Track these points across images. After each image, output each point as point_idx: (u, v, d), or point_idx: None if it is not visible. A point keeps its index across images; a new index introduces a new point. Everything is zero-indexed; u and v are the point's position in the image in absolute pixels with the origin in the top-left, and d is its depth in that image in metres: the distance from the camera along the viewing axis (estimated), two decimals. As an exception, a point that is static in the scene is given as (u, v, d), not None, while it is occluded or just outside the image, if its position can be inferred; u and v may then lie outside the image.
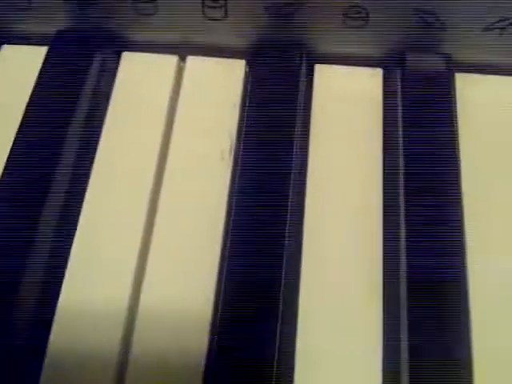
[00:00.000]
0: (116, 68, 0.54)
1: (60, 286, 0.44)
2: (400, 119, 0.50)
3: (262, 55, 0.53)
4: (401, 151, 0.49)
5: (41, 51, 0.54)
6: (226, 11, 0.52)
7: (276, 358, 0.41)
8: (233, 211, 0.46)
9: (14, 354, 0.42)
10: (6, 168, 0.48)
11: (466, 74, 0.52)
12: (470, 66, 0.52)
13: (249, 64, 0.54)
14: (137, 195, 0.48)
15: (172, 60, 0.54)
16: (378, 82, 0.53)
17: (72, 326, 0.43)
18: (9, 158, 0.48)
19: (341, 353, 0.43)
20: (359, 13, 0.51)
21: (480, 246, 0.45)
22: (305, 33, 0.53)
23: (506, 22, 0.50)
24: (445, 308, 0.42)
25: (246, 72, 0.53)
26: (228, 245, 0.45)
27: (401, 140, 0.49)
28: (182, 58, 0.54)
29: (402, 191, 0.47)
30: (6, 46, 0.55)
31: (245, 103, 0.51)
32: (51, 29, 0.54)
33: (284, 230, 0.45)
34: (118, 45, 0.54)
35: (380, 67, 0.53)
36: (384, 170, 0.49)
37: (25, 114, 0.50)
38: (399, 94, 0.52)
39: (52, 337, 0.42)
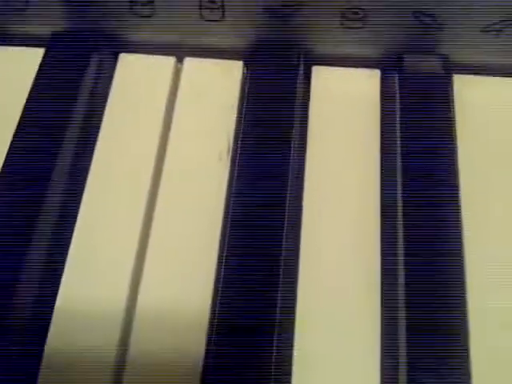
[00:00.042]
0: (113, 69, 0.54)
1: (57, 287, 0.44)
2: (398, 120, 0.50)
3: (259, 56, 0.53)
4: (398, 152, 0.49)
5: (38, 53, 0.53)
6: (223, 12, 0.52)
7: (274, 359, 0.41)
8: (230, 212, 0.46)
9: (11, 354, 0.42)
10: (2, 170, 0.47)
11: (463, 75, 0.52)
12: (468, 67, 0.52)
13: (246, 65, 0.54)
14: (134, 196, 0.47)
15: (169, 61, 0.54)
16: (375, 84, 0.53)
17: (69, 326, 0.43)
18: (6, 159, 0.48)
19: (339, 356, 0.42)
20: (357, 14, 0.51)
21: (479, 246, 0.45)
22: (302, 34, 0.53)
23: (504, 24, 0.50)
24: (444, 309, 0.42)
25: (243, 73, 0.53)
26: (226, 246, 0.45)
27: (398, 141, 0.49)
28: (180, 60, 0.54)
29: (399, 193, 0.47)
30: (3, 48, 0.55)
31: (242, 104, 0.51)
32: (48, 30, 0.54)
33: (281, 231, 0.45)
34: (115, 46, 0.54)
35: (378, 68, 0.53)
36: (382, 171, 0.49)
37: (22, 116, 0.50)
38: (397, 95, 0.51)
39: (49, 337, 0.42)
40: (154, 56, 0.54)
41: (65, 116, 0.50)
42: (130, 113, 0.51)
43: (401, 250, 0.45)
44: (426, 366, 0.41)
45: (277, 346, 0.42)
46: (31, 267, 0.44)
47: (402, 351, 0.42)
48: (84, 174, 0.49)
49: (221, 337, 0.42)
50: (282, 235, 0.45)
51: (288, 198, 0.47)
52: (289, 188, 0.47)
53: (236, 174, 0.48)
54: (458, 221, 0.45)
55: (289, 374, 0.42)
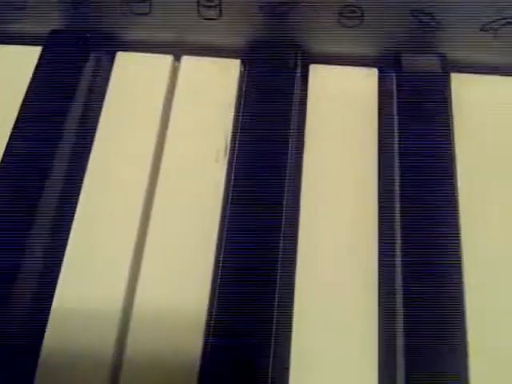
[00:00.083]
0: (110, 68, 0.53)
1: (54, 287, 0.44)
2: (395, 119, 0.50)
3: (257, 55, 0.53)
4: (396, 151, 0.49)
5: (35, 51, 0.53)
6: (220, 10, 0.52)
7: (271, 358, 0.41)
8: (228, 211, 0.46)
9: (8, 354, 0.42)
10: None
11: (461, 73, 0.52)
12: (466, 65, 0.52)
13: (244, 64, 0.54)
14: (132, 195, 0.47)
15: (167, 60, 0.54)
16: (373, 82, 0.53)
17: (66, 326, 0.43)
18: (2, 159, 0.48)
19: (336, 355, 0.42)
20: (354, 12, 0.51)
21: (476, 245, 0.45)
22: (300, 32, 0.53)
23: (501, 22, 0.50)
24: (441, 307, 0.42)
25: (240, 72, 0.53)
26: (223, 245, 0.45)
27: (396, 140, 0.49)
28: (177, 58, 0.54)
29: (397, 191, 0.47)
30: (0, 46, 0.55)
31: (240, 103, 0.51)
32: (46, 28, 0.54)
33: (279, 230, 0.45)
34: (112, 44, 0.54)
35: (375, 67, 0.53)
36: (379, 169, 0.49)
37: (19, 114, 0.50)
38: (394, 93, 0.51)
39: (46, 337, 0.42)
40: (152, 54, 0.54)
41: (62, 114, 0.50)
42: (128, 111, 0.51)
43: (398, 249, 0.45)
44: (424, 365, 0.41)
45: (274, 346, 0.42)
46: (28, 268, 0.44)
47: (400, 352, 0.42)
48: (81, 173, 0.48)
49: (218, 337, 0.42)
50: (279, 234, 0.45)
51: (285, 197, 0.46)
52: (286, 187, 0.47)
53: (233, 173, 0.48)
54: (456, 219, 0.45)
55: (286, 374, 0.42)
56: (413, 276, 0.44)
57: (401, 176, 0.47)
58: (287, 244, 0.45)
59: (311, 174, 0.49)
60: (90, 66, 0.53)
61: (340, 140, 0.50)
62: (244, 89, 0.52)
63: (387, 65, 0.53)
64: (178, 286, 0.44)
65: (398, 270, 0.44)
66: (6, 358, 0.42)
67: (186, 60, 0.54)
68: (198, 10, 0.52)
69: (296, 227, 0.46)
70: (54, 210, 0.47)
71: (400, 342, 0.42)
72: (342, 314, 0.44)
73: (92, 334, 0.42)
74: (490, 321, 0.43)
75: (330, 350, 0.43)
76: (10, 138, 0.49)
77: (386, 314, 0.44)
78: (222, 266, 0.44)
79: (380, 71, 0.53)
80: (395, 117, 0.50)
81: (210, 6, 0.52)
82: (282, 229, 0.45)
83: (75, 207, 0.47)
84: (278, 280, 0.43)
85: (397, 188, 0.47)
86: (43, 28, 0.54)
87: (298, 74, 0.52)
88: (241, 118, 0.50)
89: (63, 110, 0.50)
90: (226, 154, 0.49)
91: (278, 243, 0.45)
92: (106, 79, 0.53)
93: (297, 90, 0.52)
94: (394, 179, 0.48)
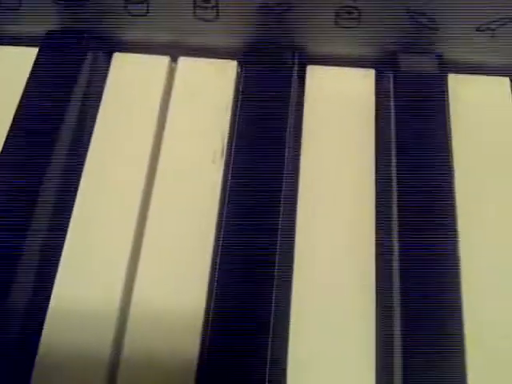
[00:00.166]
0: (107, 69, 0.53)
1: (51, 287, 0.44)
2: (393, 120, 0.50)
3: (253, 56, 0.53)
4: (393, 152, 0.49)
5: (31, 52, 0.53)
6: (217, 12, 0.52)
7: (269, 358, 0.41)
8: (225, 213, 0.46)
9: (5, 354, 0.42)
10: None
11: (458, 74, 0.52)
12: (463, 66, 0.52)
13: (241, 65, 0.53)
14: (128, 196, 0.47)
15: (163, 61, 0.54)
16: (370, 83, 0.53)
17: (63, 326, 0.43)
18: (-1, 159, 0.48)
19: (333, 356, 0.42)
20: (351, 13, 0.51)
21: (474, 245, 0.45)
22: (297, 33, 0.53)
23: (498, 23, 0.50)
24: (439, 308, 0.42)
25: (237, 73, 0.53)
26: (220, 246, 0.45)
27: (393, 140, 0.49)
28: (174, 59, 0.54)
29: (394, 192, 0.47)
30: (-4, 47, 0.55)
31: (237, 104, 0.51)
32: (42, 29, 0.54)
33: (276, 231, 0.45)
34: (109, 45, 0.54)
35: (372, 68, 0.53)
36: (376, 170, 0.49)
37: (16, 116, 0.50)
38: (392, 94, 0.51)
39: (43, 337, 0.42)
40: (148, 55, 0.54)
41: (58, 115, 0.50)
42: (124, 112, 0.51)
43: (396, 250, 0.45)
44: (421, 367, 0.41)
45: (271, 347, 0.41)
46: (25, 267, 0.44)
47: (397, 353, 0.42)
48: (78, 174, 0.48)
49: (215, 337, 0.42)
50: (276, 236, 0.45)
51: (282, 199, 0.46)
52: (283, 188, 0.47)
53: (230, 174, 0.47)
54: (453, 219, 0.45)
55: (284, 375, 0.42)
56: (410, 277, 0.43)
57: (398, 177, 0.47)
58: (284, 245, 0.45)
59: (308, 175, 0.49)
60: (86, 66, 0.53)
61: (337, 141, 0.50)
62: (241, 90, 0.52)
63: (384, 65, 0.53)
64: (175, 286, 0.44)
65: (396, 271, 0.44)
66: (2, 358, 0.42)
67: (183, 61, 0.54)
68: (195, 12, 0.52)
69: (293, 228, 0.46)
70: (51, 210, 0.47)
71: (397, 343, 0.42)
72: (339, 315, 0.44)
73: (89, 333, 0.42)
74: (487, 321, 0.43)
75: (327, 351, 0.42)
76: (6, 140, 0.48)
77: (384, 316, 0.44)
78: (219, 267, 0.44)
79: (377, 72, 0.53)
80: (392, 117, 0.50)
81: (206, 7, 0.52)
82: (279, 230, 0.45)
83: (72, 207, 0.47)
84: (276, 281, 0.43)
85: (394, 189, 0.47)
86: (39, 29, 0.54)
87: (295, 75, 0.52)
88: (238, 119, 0.50)
89: (60, 111, 0.50)
90: (222, 155, 0.49)
91: (276, 244, 0.44)
92: (103, 80, 0.53)
93: (294, 91, 0.52)
94: (391, 180, 0.48)
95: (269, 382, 0.41)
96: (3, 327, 0.42)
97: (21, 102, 0.50)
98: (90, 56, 0.53)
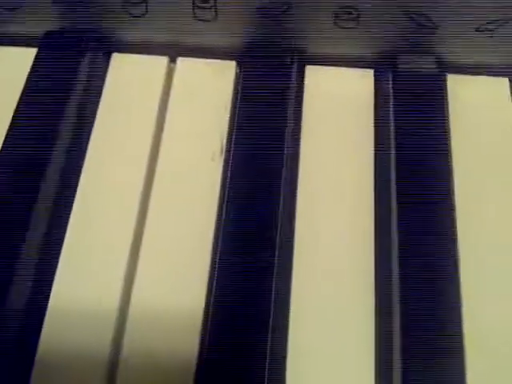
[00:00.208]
0: (106, 69, 0.53)
1: (51, 287, 0.44)
2: (392, 120, 0.50)
3: (252, 56, 0.53)
4: (392, 152, 0.49)
5: (30, 53, 0.53)
6: (216, 12, 0.52)
7: (268, 358, 0.41)
8: (224, 212, 0.46)
9: (4, 353, 0.42)
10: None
11: (457, 74, 0.52)
12: (462, 66, 0.52)
13: (239, 65, 0.53)
14: (127, 196, 0.47)
15: (162, 61, 0.54)
16: (369, 83, 0.53)
17: (63, 326, 0.43)
18: (-2, 159, 0.48)
19: (333, 354, 0.42)
20: (350, 14, 0.51)
21: (472, 244, 0.45)
22: (296, 34, 0.52)
23: (497, 23, 0.50)
24: (439, 306, 0.42)
25: (236, 73, 0.53)
26: (219, 245, 0.45)
27: (392, 141, 0.49)
28: (173, 59, 0.54)
29: (393, 191, 0.47)
30: (-6, 48, 0.55)
31: (236, 104, 0.51)
32: (40, 30, 0.54)
33: (275, 231, 0.45)
34: (107, 46, 0.54)
35: (371, 68, 0.53)
36: (375, 170, 0.49)
37: (14, 116, 0.50)
38: (391, 95, 0.51)
39: (42, 337, 0.42)
40: (147, 56, 0.54)
41: (57, 116, 0.50)
42: (123, 113, 0.51)
43: (395, 249, 0.45)
44: (421, 365, 0.41)
45: (271, 346, 0.41)
46: (24, 267, 0.44)
47: (396, 353, 0.42)
48: (77, 174, 0.48)
49: (214, 337, 0.42)
50: (276, 235, 0.45)
51: (282, 199, 0.46)
52: (282, 188, 0.47)
53: (229, 174, 0.47)
54: (453, 218, 0.46)
55: (283, 373, 0.42)
56: (410, 275, 0.43)
57: (397, 177, 0.47)
58: (284, 244, 0.45)
59: (307, 175, 0.49)
60: (85, 67, 0.53)
61: (336, 141, 0.50)
62: (240, 90, 0.52)
63: (383, 65, 0.53)
64: (174, 286, 0.44)
65: (395, 268, 0.44)
66: (2, 357, 0.42)
67: (182, 61, 0.54)
68: (194, 12, 0.52)
69: (292, 227, 0.46)
70: (50, 210, 0.47)
71: (397, 341, 0.42)
72: (339, 313, 0.44)
73: (88, 333, 0.42)
74: (487, 321, 0.43)
75: (326, 349, 0.42)
76: (4, 141, 0.48)
77: (383, 313, 0.44)
78: (219, 266, 0.44)
79: (376, 72, 0.53)
80: (391, 118, 0.50)
81: (205, 8, 0.52)
82: (279, 229, 0.45)
83: (71, 207, 0.47)
84: (275, 279, 0.43)
85: (393, 188, 0.47)
86: (38, 29, 0.54)
87: (294, 76, 0.52)
88: (236, 119, 0.50)
89: (58, 111, 0.50)
90: (221, 156, 0.49)
91: (275, 244, 0.44)
92: (102, 80, 0.53)
93: (293, 92, 0.52)
94: (390, 180, 0.48)
95: (268, 381, 0.41)
96: (3, 327, 0.42)
97: (20, 102, 0.50)
98: (88, 56, 0.53)
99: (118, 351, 0.42)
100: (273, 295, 0.43)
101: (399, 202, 0.46)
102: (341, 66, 0.53)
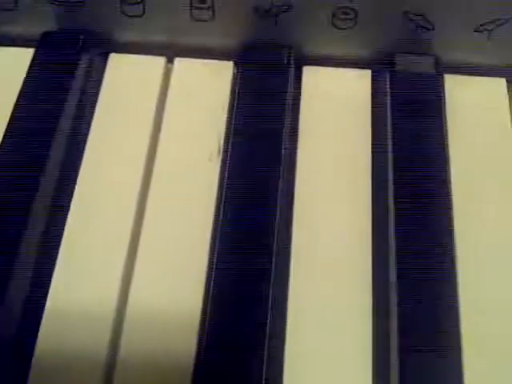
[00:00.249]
0: (103, 69, 0.53)
1: (48, 288, 0.44)
2: (389, 120, 0.50)
3: (250, 57, 0.53)
4: (390, 152, 0.49)
5: (28, 53, 0.53)
6: (213, 12, 0.52)
7: (266, 358, 0.41)
8: (221, 213, 0.46)
9: (1, 355, 0.42)
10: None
11: (454, 74, 0.52)
12: (460, 67, 0.52)
13: (237, 65, 0.53)
14: (125, 197, 0.47)
15: (159, 61, 0.54)
16: (366, 84, 0.53)
17: (60, 327, 0.42)
18: (-4, 160, 0.48)
19: (330, 355, 0.42)
20: (348, 14, 0.51)
21: (469, 245, 0.45)
22: (293, 34, 0.52)
23: (495, 24, 0.50)
24: (436, 305, 0.42)
25: (233, 73, 0.53)
26: (217, 245, 0.44)
27: (390, 141, 0.49)
28: (170, 60, 0.54)
29: (390, 192, 0.47)
30: (-9, 48, 0.55)
31: (233, 105, 0.51)
32: (38, 30, 0.54)
33: (273, 230, 0.45)
34: (105, 46, 0.54)
35: (369, 68, 0.53)
36: (373, 171, 0.49)
37: (12, 117, 0.50)
38: (388, 95, 0.51)
39: (40, 338, 0.42)
40: (144, 56, 0.54)
41: (55, 116, 0.50)
42: (120, 113, 0.51)
43: (392, 250, 0.45)
44: (418, 365, 0.41)
45: (268, 347, 0.41)
46: (21, 268, 0.44)
47: (394, 353, 0.42)
48: (74, 175, 0.48)
49: (212, 338, 0.42)
50: (273, 235, 0.45)
51: (279, 199, 0.46)
52: (280, 188, 0.47)
53: (226, 175, 0.47)
54: (450, 218, 0.46)
55: (280, 374, 0.42)
56: (407, 275, 0.43)
57: (394, 177, 0.47)
58: (281, 244, 0.45)
59: (305, 175, 0.49)
60: (82, 67, 0.52)
61: (334, 142, 0.50)
62: (237, 91, 0.52)
63: (381, 66, 0.53)
64: (171, 287, 0.44)
65: (393, 268, 0.44)
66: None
67: (179, 62, 0.54)
68: (191, 12, 0.52)
69: (290, 227, 0.46)
70: (48, 210, 0.47)
71: (394, 341, 0.42)
72: (336, 314, 0.43)
73: (86, 334, 0.42)
74: (484, 321, 0.43)
75: (324, 350, 0.42)
76: (3, 139, 0.48)
77: (381, 314, 0.44)
78: (216, 267, 0.44)
79: (374, 72, 0.53)
80: (389, 118, 0.50)
81: (202, 8, 0.52)
82: (276, 229, 0.45)
83: (68, 208, 0.47)
84: (272, 280, 0.43)
85: (390, 188, 0.47)
86: (36, 29, 0.54)
87: (292, 76, 0.52)
88: (234, 119, 0.50)
89: (56, 111, 0.50)
90: (218, 157, 0.49)
91: (273, 243, 0.44)
92: (99, 81, 0.53)
93: (290, 92, 0.52)
94: (387, 180, 0.48)
95: (265, 382, 0.41)
96: (-1, 328, 0.42)
97: (17, 102, 0.50)
98: (86, 56, 0.53)
99: (116, 352, 0.42)
100: (271, 296, 0.43)
101: (396, 203, 0.46)
102: (338, 66, 0.53)
